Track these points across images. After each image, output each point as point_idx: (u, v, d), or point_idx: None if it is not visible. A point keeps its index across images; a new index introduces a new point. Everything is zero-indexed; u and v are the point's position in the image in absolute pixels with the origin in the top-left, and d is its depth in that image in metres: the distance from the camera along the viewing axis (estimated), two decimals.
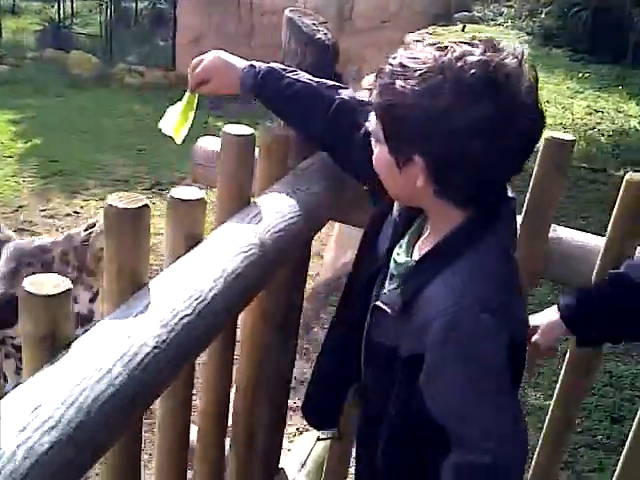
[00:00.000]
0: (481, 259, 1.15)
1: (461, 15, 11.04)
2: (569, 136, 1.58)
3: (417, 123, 1.11)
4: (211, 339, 1.19)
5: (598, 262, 1.56)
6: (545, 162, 1.56)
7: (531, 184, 1.60)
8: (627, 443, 1.71)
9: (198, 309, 1.08)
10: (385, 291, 1.26)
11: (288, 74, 1.53)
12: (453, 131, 1.08)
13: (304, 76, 1.54)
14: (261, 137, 1.49)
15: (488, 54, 1.10)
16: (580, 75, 8.62)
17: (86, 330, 1.36)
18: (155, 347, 0.99)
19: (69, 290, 0.96)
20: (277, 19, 11.53)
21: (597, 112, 7.63)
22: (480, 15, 11.84)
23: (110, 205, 1.07)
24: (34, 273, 1.31)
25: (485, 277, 1.14)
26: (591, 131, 7.14)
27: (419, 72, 1.11)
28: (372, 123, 1.23)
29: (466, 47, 1.11)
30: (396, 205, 1.30)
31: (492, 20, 11.81)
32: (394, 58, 1.18)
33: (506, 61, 1.10)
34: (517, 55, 1.11)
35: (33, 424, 0.79)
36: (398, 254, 1.27)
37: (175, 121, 1.56)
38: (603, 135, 7.11)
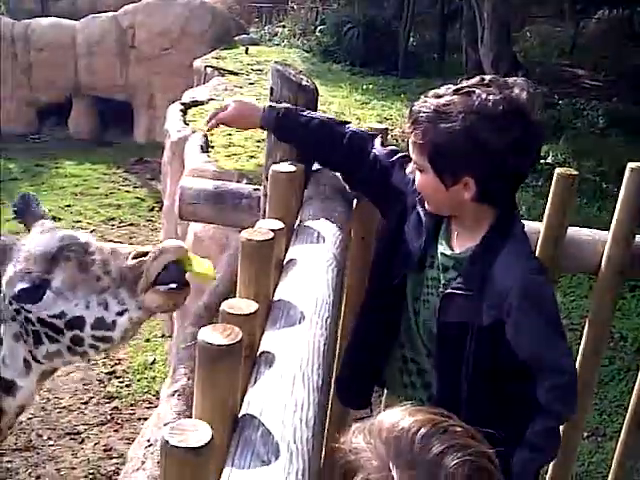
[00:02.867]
0: (520, 241, 1.59)
1: (242, 37, 11.50)
2: None
3: (465, 154, 1.49)
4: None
5: None
6: None
7: None
8: None
9: (327, 309, 1.37)
10: (444, 280, 1.61)
11: (303, 112, 1.84)
12: (494, 154, 1.48)
13: (316, 114, 1.86)
14: (275, 175, 1.74)
15: (505, 91, 1.50)
16: (364, 87, 9.45)
17: (103, 336, 1.50)
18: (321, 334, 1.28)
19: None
20: (53, 55, 11.23)
21: (387, 119, 8.44)
22: (257, 36, 12.41)
23: (248, 239, 1.32)
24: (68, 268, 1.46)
25: (529, 253, 1.62)
26: (388, 138, 7.90)
27: (461, 115, 1.47)
28: (415, 157, 1.58)
29: (484, 89, 1.50)
30: (423, 216, 1.66)
31: (269, 40, 12.45)
32: (424, 106, 1.53)
33: (519, 94, 1.50)
34: (524, 87, 1.51)
35: None
36: (444, 250, 1.62)
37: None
38: (396, 140, 7.91)
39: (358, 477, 1.02)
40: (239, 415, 1.09)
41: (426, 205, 1.64)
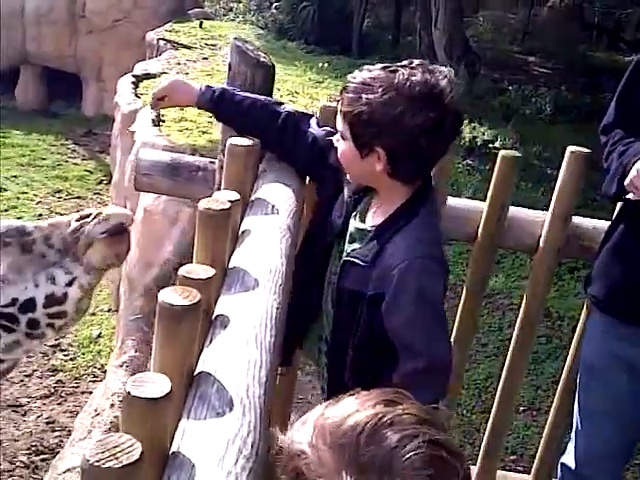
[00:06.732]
0: (421, 224, 1.64)
1: (195, 11, 11.37)
2: None
3: (379, 126, 1.58)
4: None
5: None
6: None
7: None
8: None
9: (280, 276, 1.43)
10: (348, 250, 1.71)
11: (239, 93, 1.89)
12: (406, 130, 1.56)
13: (252, 95, 1.90)
14: (232, 148, 1.79)
15: (427, 75, 1.59)
16: (320, 66, 9.46)
17: (57, 311, 1.45)
18: (274, 299, 1.35)
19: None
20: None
21: None
22: (212, 11, 12.28)
23: (206, 208, 1.38)
24: (10, 253, 1.41)
25: (424, 237, 1.64)
26: None
27: (380, 88, 1.57)
28: (339, 125, 1.67)
29: (409, 70, 1.60)
30: (346, 191, 1.76)
31: (224, 15, 12.34)
32: (354, 78, 1.64)
33: (439, 79, 1.59)
34: (446, 75, 1.61)
35: None
36: (355, 224, 1.73)
37: None
38: None
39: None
40: (195, 373, 1.15)
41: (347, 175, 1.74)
